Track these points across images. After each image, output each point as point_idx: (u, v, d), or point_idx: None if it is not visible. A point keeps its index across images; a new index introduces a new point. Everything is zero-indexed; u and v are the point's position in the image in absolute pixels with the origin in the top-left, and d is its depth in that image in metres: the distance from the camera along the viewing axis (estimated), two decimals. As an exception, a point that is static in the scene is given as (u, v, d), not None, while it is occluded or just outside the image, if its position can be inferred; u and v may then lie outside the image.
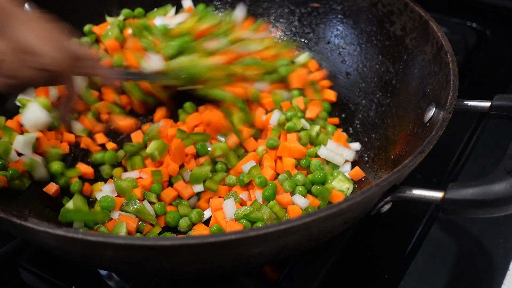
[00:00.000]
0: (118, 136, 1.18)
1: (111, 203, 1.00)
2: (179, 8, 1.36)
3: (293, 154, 1.08)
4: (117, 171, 1.09)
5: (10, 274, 0.98)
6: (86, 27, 1.29)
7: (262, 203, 1.01)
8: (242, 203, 1.02)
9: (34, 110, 1.13)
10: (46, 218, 1.02)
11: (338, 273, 0.97)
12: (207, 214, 1.04)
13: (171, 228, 1.03)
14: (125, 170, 1.10)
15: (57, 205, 1.05)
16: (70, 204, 1.02)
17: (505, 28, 1.45)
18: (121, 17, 1.32)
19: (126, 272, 0.96)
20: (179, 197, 1.07)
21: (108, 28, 1.27)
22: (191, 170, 1.07)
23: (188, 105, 1.19)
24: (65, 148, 1.12)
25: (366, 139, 1.16)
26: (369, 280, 0.97)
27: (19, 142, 1.07)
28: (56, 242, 0.77)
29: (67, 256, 0.87)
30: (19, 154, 1.07)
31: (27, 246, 1.00)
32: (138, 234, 1.00)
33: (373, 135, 1.15)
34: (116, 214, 1.00)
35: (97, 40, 1.29)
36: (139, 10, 1.32)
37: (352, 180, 1.08)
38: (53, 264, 0.99)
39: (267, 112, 1.19)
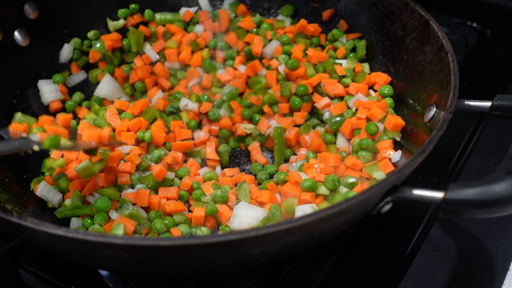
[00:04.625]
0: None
1: (106, 204, 1.00)
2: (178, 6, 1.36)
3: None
4: None
5: (10, 274, 0.98)
6: (92, 33, 1.29)
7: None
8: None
9: (107, 81, 1.21)
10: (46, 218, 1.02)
11: (338, 273, 0.97)
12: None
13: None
14: None
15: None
16: (67, 202, 1.02)
17: (505, 28, 1.45)
18: (121, 21, 1.31)
19: (126, 272, 0.96)
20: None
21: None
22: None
23: None
24: None
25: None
26: (369, 280, 0.97)
27: None
28: (56, 242, 0.77)
29: (67, 256, 0.87)
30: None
31: (27, 246, 1.00)
32: (136, 235, 1.00)
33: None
34: (115, 215, 1.00)
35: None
36: (133, 7, 1.32)
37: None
38: (53, 264, 0.99)
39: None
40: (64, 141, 0.96)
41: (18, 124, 0.97)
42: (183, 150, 1.15)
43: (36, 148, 0.94)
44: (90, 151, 1.03)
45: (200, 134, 1.19)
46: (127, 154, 1.08)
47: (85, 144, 1.00)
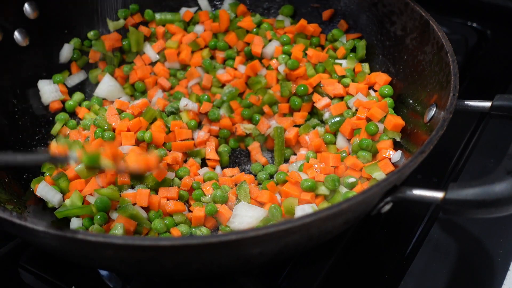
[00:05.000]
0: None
1: (106, 204, 1.00)
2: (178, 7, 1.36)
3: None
4: None
5: (10, 274, 0.98)
6: (92, 33, 1.29)
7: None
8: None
9: (107, 81, 1.22)
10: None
11: (338, 273, 0.97)
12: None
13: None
14: None
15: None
16: (67, 202, 1.02)
17: (505, 28, 1.45)
18: (121, 21, 1.32)
19: (126, 272, 0.96)
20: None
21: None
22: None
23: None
24: None
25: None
26: (369, 280, 0.97)
27: None
28: (56, 242, 0.77)
29: (67, 256, 0.87)
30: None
31: (27, 246, 1.00)
32: (137, 235, 1.00)
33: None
34: (115, 215, 1.00)
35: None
36: (133, 7, 1.32)
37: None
38: (53, 264, 0.99)
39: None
40: (106, 161, 0.91)
41: (58, 146, 0.92)
42: (183, 150, 1.15)
43: (72, 164, 0.89)
44: (136, 176, 1.01)
45: (200, 134, 1.19)
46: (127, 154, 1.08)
47: (130, 169, 0.95)
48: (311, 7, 1.31)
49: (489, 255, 0.98)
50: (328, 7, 1.29)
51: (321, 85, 1.19)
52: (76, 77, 1.28)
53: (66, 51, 1.27)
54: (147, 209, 1.04)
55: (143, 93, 1.28)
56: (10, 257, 0.99)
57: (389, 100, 1.11)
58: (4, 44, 1.17)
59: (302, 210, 0.98)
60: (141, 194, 1.03)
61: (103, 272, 0.98)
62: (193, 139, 1.19)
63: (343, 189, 1.02)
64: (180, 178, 1.11)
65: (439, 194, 0.79)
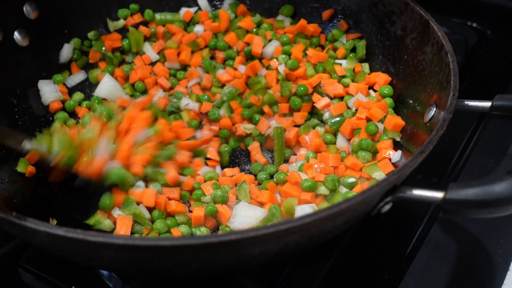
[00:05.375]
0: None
1: (109, 201, 1.00)
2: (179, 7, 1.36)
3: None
4: None
5: (10, 274, 0.98)
6: (92, 33, 1.29)
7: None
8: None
9: (107, 81, 1.24)
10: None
11: (338, 273, 0.97)
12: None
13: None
14: None
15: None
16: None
17: (505, 28, 1.45)
18: (121, 21, 1.32)
19: (126, 272, 0.96)
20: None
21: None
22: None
23: None
24: None
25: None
26: (369, 280, 0.97)
27: None
28: (56, 242, 0.77)
29: (67, 256, 0.87)
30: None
31: (27, 246, 1.00)
32: (137, 235, 1.00)
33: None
34: (117, 213, 1.00)
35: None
36: (133, 7, 1.32)
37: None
38: (53, 264, 0.99)
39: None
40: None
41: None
42: (189, 149, 1.15)
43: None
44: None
45: (204, 133, 1.19)
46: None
47: None
48: (311, 7, 1.31)
49: (489, 255, 0.98)
50: (328, 7, 1.29)
51: (321, 85, 1.19)
52: (76, 77, 1.28)
53: (66, 51, 1.27)
54: (150, 207, 1.04)
55: (143, 93, 1.28)
56: (10, 257, 0.99)
57: (389, 100, 1.11)
58: (4, 44, 1.17)
59: (302, 210, 0.98)
60: (148, 194, 1.03)
61: (103, 272, 0.98)
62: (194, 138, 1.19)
63: (343, 189, 1.02)
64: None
65: (439, 194, 0.79)
